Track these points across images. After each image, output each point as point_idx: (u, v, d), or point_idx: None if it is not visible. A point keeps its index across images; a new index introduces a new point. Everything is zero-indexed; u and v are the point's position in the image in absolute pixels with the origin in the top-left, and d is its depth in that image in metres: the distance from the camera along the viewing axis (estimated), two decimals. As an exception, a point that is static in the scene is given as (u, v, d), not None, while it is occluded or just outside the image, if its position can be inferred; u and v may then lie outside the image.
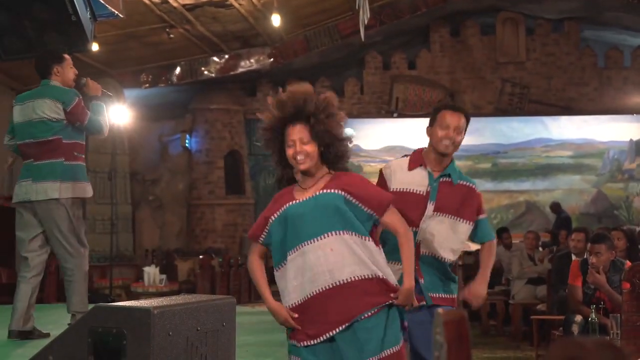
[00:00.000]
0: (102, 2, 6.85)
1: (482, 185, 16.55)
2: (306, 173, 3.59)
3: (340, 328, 3.43)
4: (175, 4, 12.05)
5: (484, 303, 11.19)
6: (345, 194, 3.52)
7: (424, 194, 4.19)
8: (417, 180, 4.23)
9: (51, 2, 6.07)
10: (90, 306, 3.40)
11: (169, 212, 16.77)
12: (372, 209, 3.55)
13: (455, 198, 4.21)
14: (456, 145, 4.29)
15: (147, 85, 15.06)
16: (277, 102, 3.62)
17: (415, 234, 4.09)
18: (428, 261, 4.16)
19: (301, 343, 3.47)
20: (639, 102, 16.54)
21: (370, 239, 3.55)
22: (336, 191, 3.52)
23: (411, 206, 4.13)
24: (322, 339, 3.45)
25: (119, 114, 13.73)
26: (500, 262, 11.76)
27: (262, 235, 3.60)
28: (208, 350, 3.52)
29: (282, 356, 3.60)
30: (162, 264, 13.27)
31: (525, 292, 10.43)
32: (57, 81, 5.73)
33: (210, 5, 12.46)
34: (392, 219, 3.62)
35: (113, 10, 7.30)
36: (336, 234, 3.48)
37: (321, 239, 3.47)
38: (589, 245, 6.53)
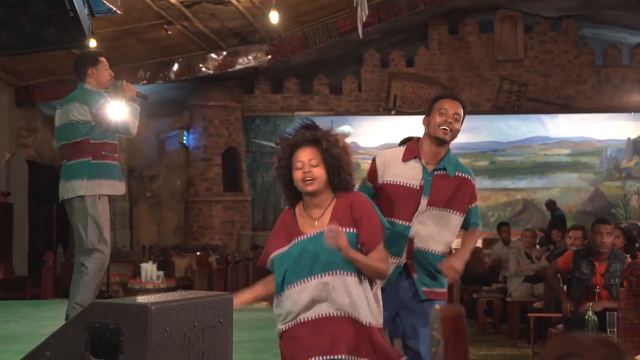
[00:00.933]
0: (100, -2, 6.85)
1: (480, 183, 16.56)
2: (313, 195, 3.58)
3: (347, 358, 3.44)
4: (173, 1, 12.03)
5: (482, 301, 11.23)
6: (356, 231, 3.53)
7: (417, 188, 4.13)
8: (411, 174, 4.16)
9: (49, -2, 6.06)
10: (89, 302, 3.39)
11: (167, 209, 16.77)
12: (362, 243, 3.54)
13: (449, 191, 4.14)
14: (454, 132, 4.21)
15: (145, 81, 15.04)
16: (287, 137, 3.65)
17: (408, 228, 4.09)
18: (421, 256, 4.13)
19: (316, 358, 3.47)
20: (637, 100, 16.56)
21: (366, 279, 3.55)
22: (349, 229, 3.52)
23: (404, 200, 4.11)
24: (335, 357, 3.44)
25: (116, 111, 13.72)
26: (499, 259, 11.76)
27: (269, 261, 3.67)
28: (205, 347, 3.52)
29: (278, 353, 3.60)
30: (160, 261, 13.26)
31: (522, 290, 10.44)
32: (91, 84, 5.89)
33: (208, 2, 12.44)
34: (377, 257, 3.58)
35: (111, 6, 7.30)
36: (337, 274, 3.50)
37: (325, 276, 3.50)
38: (595, 226, 6.50)
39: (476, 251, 13.87)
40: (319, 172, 3.53)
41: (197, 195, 16.25)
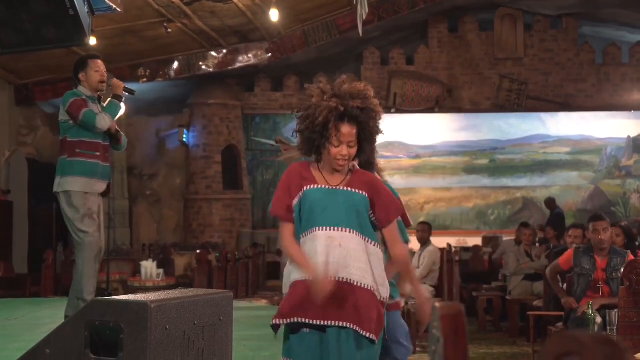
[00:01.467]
0: (100, -4, 6.84)
1: (480, 181, 16.59)
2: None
3: (346, 325, 3.33)
4: (173, -1, 12.03)
5: (482, 299, 11.21)
6: (369, 197, 3.48)
7: None
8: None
9: (49, -4, 6.06)
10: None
11: (167, 207, 16.77)
12: (377, 217, 3.50)
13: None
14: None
15: (145, 79, 15.04)
16: (338, 93, 3.48)
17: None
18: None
19: (311, 320, 3.33)
20: (637, 98, 16.55)
21: (378, 244, 3.49)
22: (363, 193, 3.48)
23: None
24: (330, 323, 3.33)
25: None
26: (502, 253, 11.72)
27: (291, 215, 3.50)
28: (205, 344, 3.52)
29: (278, 351, 3.59)
30: (160, 259, 13.26)
31: (522, 288, 10.44)
32: (84, 86, 6.08)
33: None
34: (392, 232, 3.55)
35: (111, 4, 7.30)
36: (349, 232, 3.42)
37: (333, 230, 3.41)
38: (590, 225, 6.55)
39: (476, 249, 13.88)
40: (353, 152, 3.47)
41: (197, 193, 16.25)
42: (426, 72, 16.64)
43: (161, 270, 11.51)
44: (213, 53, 15.16)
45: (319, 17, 14.90)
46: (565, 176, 16.68)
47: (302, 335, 3.38)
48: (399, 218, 3.99)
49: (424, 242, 9.98)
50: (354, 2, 9.49)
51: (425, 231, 10.06)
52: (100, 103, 6.13)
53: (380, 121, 3.56)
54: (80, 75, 6.06)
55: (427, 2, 15.44)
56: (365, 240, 3.44)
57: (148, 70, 15.10)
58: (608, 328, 5.05)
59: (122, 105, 6.22)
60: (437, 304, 1.99)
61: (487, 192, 16.66)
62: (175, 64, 15.17)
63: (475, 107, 16.67)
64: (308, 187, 3.48)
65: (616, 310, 5.24)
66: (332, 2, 14.33)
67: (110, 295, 9.75)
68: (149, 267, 11.34)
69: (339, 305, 3.34)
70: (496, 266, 12.02)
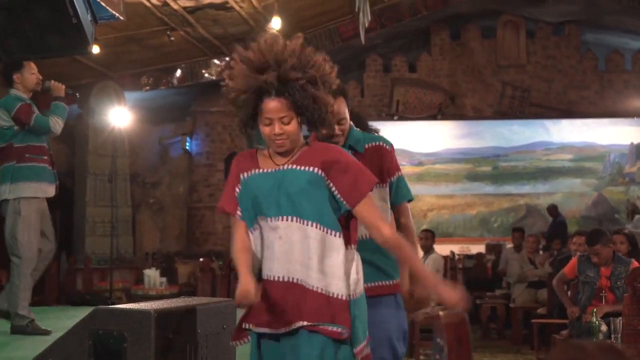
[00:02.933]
0: (103, 4, 6.86)
1: (483, 189, 16.56)
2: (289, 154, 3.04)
3: (299, 325, 2.91)
4: (176, 7, 12.05)
5: (485, 307, 11.18)
6: (323, 174, 2.96)
7: None
8: None
9: (52, 4, 6.07)
10: (91, 309, 3.39)
11: (170, 215, 16.76)
12: (342, 196, 2.95)
13: (367, 164, 3.46)
14: (341, 127, 3.73)
15: (148, 87, 15.05)
16: (250, 61, 2.98)
17: None
18: (361, 246, 3.49)
19: (259, 328, 2.99)
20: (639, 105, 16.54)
21: (340, 234, 2.94)
22: (312, 169, 2.96)
23: None
24: (279, 330, 2.95)
25: (119, 117, 13.74)
26: (505, 263, 11.69)
27: (239, 209, 3.08)
28: (208, 353, 3.51)
29: None
30: (163, 267, 13.27)
31: (526, 296, 10.43)
32: (18, 89, 6.00)
33: (211, 7, 12.45)
34: (368, 212, 2.97)
35: (114, 12, 7.31)
36: (294, 221, 2.93)
37: (276, 220, 2.94)
38: (589, 249, 6.64)
39: (479, 257, 13.86)
40: (292, 128, 2.98)
41: (200, 202, 16.25)
42: (429, 79, 16.65)
43: (164, 279, 11.51)
44: (216, 61, 15.17)
45: (321, 24, 14.91)
46: (568, 183, 16.65)
47: (260, 343, 3.06)
48: (399, 175, 3.78)
49: (427, 249, 9.96)
50: (356, 10, 9.51)
51: (429, 239, 10.05)
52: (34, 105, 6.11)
53: (327, 77, 3.04)
54: (15, 77, 5.99)
55: (429, 10, 15.44)
56: (319, 228, 2.92)
57: (151, 79, 15.12)
58: (612, 336, 5.04)
59: (66, 107, 6.19)
60: (441, 313, 1.98)
61: (490, 199, 16.64)
62: (178, 72, 15.19)
63: (477, 114, 16.66)
64: (246, 174, 3.05)
65: (620, 317, 5.23)
66: (334, 9, 14.35)
67: (114, 304, 9.75)
68: (152, 275, 11.33)
69: (283, 309, 2.93)
70: (500, 274, 12.00)
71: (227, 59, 15.16)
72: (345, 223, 3.01)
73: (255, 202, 2.99)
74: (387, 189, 3.80)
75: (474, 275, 13.07)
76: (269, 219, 2.95)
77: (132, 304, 3.64)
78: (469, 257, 14.09)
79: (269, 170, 3.02)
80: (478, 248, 14.79)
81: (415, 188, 17.14)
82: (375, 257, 3.62)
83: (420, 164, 16.41)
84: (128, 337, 3.15)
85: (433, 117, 16.37)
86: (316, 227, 2.92)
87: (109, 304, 8.42)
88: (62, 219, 14.39)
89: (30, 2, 6.11)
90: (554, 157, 16.70)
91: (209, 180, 16.25)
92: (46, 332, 5.82)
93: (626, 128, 16.57)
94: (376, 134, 3.94)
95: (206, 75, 15.28)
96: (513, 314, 10.49)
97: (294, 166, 2.98)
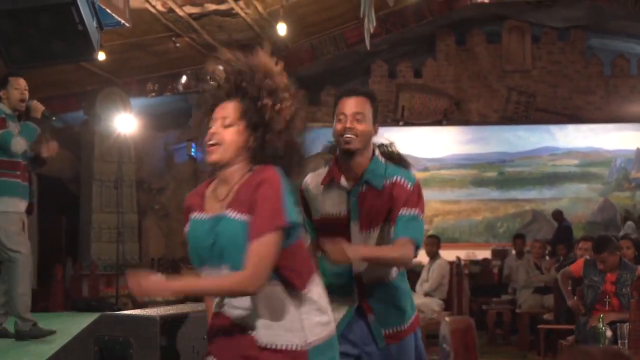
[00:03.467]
0: (109, 11, 6.87)
1: (489, 194, 16.54)
2: (218, 167, 2.73)
3: None
4: (181, 13, 12.07)
5: (491, 312, 11.15)
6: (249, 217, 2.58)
7: (344, 214, 3.35)
8: (334, 201, 3.38)
9: (57, 12, 6.08)
10: (97, 315, 3.39)
11: (175, 221, 16.76)
12: (250, 232, 2.57)
13: (382, 205, 3.31)
14: (362, 136, 3.32)
15: (153, 94, 15.08)
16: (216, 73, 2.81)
17: (349, 265, 3.27)
18: (375, 291, 3.35)
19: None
20: (645, 110, 16.52)
21: (278, 281, 2.61)
22: (241, 218, 2.58)
23: (335, 234, 3.24)
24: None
25: (125, 123, 13.76)
26: (510, 272, 11.67)
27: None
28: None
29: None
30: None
31: (532, 301, 10.41)
32: (3, 103, 6.09)
33: (216, 14, 12.48)
34: (252, 252, 2.53)
35: (119, 19, 7.32)
36: (231, 272, 2.61)
37: (216, 271, 2.65)
38: (596, 257, 6.63)
39: (485, 262, 13.84)
40: (230, 135, 2.63)
41: (205, 207, 16.24)
42: (434, 84, 16.65)
43: (170, 285, 11.48)
44: (221, 67, 15.18)
45: (326, 30, 14.93)
46: (574, 188, 16.62)
47: None
48: (413, 213, 3.27)
49: (433, 255, 9.95)
50: (361, 16, 9.51)
51: (434, 244, 10.04)
52: (19, 122, 6.11)
53: (283, 95, 2.73)
54: (2, 93, 6.08)
55: (434, 15, 15.45)
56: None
57: (156, 85, 15.14)
58: (619, 342, 5.02)
59: (37, 129, 6.12)
60: (447, 319, 1.98)
61: (496, 204, 16.61)
62: (184, 78, 15.20)
63: (483, 120, 16.65)
64: (193, 216, 2.81)
65: (627, 323, 5.22)
66: (339, 15, 14.36)
67: (120, 310, 9.76)
68: (157, 281, 11.31)
69: (218, 341, 2.73)
70: (504, 280, 11.98)
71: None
72: (290, 264, 2.64)
73: (192, 254, 2.76)
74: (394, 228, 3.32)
75: (480, 281, 13.05)
76: (206, 269, 2.68)
77: (138, 310, 3.64)
78: (474, 262, 14.07)
79: (204, 217, 2.72)
80: (484, 254, 14.76)
81: (420, 193, 17.11)
82: (389, 299, 3.38)
83: (425, 169, 16.39)
84: (134, 343, 3.14)
85: (438, 123, 16.37)
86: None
87: (114, 310, 8.44)
88: (68, 225, 14.41)
89: (36, 8, 6.12)
90: (559, 163, 16.68)
91: (214, 186, 16.24)
92: (51, 332, 5.86)
93: (632, 133, 16.54)
94: (403, 169, 3.43)
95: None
96: (519, 319, 10.46)
97: (228, 212, 2.62)
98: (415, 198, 3.31)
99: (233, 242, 2.57)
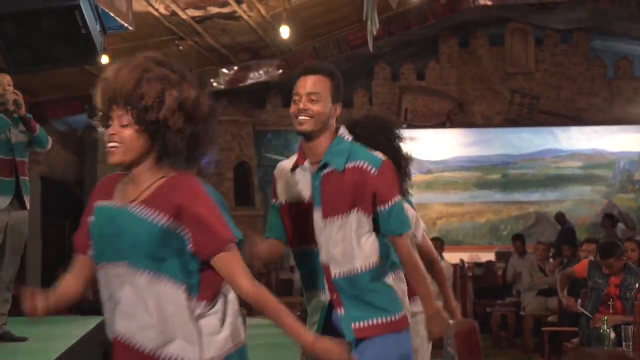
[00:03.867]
0: (112, 14, 6.88)
1: (492, 197, 16.53)
2: (125, 168, 2.56)
3: None
4: (184, 17, 12.09)
5: (496, 315, 11.14)
6: (173, 223, 2.44)
7: (309, 200, 3.21)
8: (302, 185, 3.25)
9: (61, 15, 6.09)
10: (101, 318, 3.39)
11: (179, 224, 16.78)
12: (196, 246, 2.44)
13: (344, 190, 3.12)
14: (318, 117, 3.16)
15: (157, 97, 15.09)
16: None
17: (317, 255, 3.19)
18: (345, 283, 3.17)
19: None
20: (649, 112, 16.50)
21: (186, 293, 2.43)
22: (159, 219, 2.43)
23: (302, 221, 3.21)
24: None
25: None
26: (514, 272, 11.67)
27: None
28: (218, 363, 3.51)
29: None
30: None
31: (537, 304, 10.40)
32: None
33: (220, 17, 12.49)
34: (226, 266, 2.46)
35: (123, 23, 7.33)
36: (128, 269, 2.43)
37: (113, 267, 2.47)
38: (600, 263, 6.63)
39: (489, 265, 13.82)
40: (127, 136, 2.47)
41: (209, 211, 16.25)
42: (437, 87, 16.64)
43: (174, 288, 11.50)
44: (224, 70, 15.21)
45: (329, 33, 14.94)
46: (578, 191, 16.60)
47: None
48: (391, 204, 3.15)
49: (437, 257, 9.94)
50: (365, 19, 9.52)
51: (438, 247, 10.03)
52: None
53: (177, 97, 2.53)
54: None
55: (437, 18, 15.45)
56: (158, 279, 2.42)
57: (160, 88, 15.14)
58: (624, 344, 5.02)
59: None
60: (451, 321, 1.98)
61: (500, 207, 16.59)
62: (187, 82, 15.21)
63: (486, 122, 16.64)
64: (98, 204, 2.59)
65: (632, 326, 5.22)
66: (342, 18, 14.37)
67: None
68: (161, 284, 11.33)
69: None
70: (508, 282, 11.96)
71: (236, 68, 15.21)
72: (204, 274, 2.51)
73: (94, 242, 2.55)
74: (369, 219, 3.19)
75: (484, 283, 13.04)
76: (109, 264, 2.48)
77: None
78: (478, 265, 14.07)
79: (110, 206, 2.53)
80: (488, 256, 14.75)
81: (424, 196, 17.16)
82: (361, 290, 3.17)
83: (429, 172, 16.38)
84: (138, 346, 3.14)
85: (442, 125, 16.36)
86: (155, 276, 2.43)
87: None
88: (71, 228, 14.40)
89: (39, 12, 6.13)
90: (563, 165, 16.66)
91: (218, 189, 15.91)
92: (22, 339, 5.84)
93: (636, 135, 16.52)
94: (374, 153, 3.24)
95: (215, 84, 15.32)
96: (524, 322, 10.46)
97: (140, 209, 2.47)
98: (386, 187, 3.16)
99: (133, 239, 2.42)
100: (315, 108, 3.14)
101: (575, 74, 16.63)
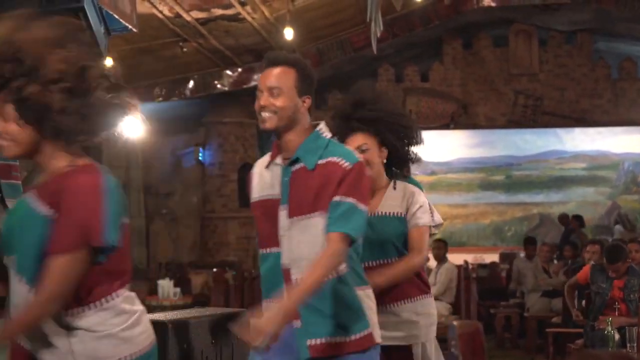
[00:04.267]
0: (116, 16, 6.89)
1: (496, 198, 16.52)
2: (29, 159, 2.42)
3: None
4: (188, 18, 12.10)
5: (499, 316, 11.13)
6: (50, 213, 2.28)
7: (278, 197, 2.94)
8: (271, 181, 2.99)
9: (64, 16, 6.11)
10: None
11: (183, 226, 16.79)
12: (52, 242, 2.26)
13: (312, 188, 2.86)
14: (283, 112, 2.93)
15: (161, 99, 15.11)
16: None
17: (278, 256, 2.93)
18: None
19: None
20: (653, 113, 16.48)
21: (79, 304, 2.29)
22: (44, 209, 2.28)
23: (268, 219, 2.95)
24: None
25: (132, 128, 13.78)
26: (518, 273, 11.64)
27: None
28: (222, 364, 3.52)
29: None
30: (176, 277, 13.27)
31: (540, 305, 10.39)
32: None
33: (223, 19, 12.51)
34: (51, 272, 2.23)
35: (127, 24, 7.34)
36: (12, 269, 2.32)
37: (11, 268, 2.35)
38: (606, 267, 6.61)
39: (493, 266, 13.81)
40: (12, 131, 2.32)
41: (213, 212, 16.27)
42: (441, 88, 16.64)
43: (178, 289, 11.51)
44: (228, 72, 15.22)
45: (333, 34, 14.95)
46: (582, 192, 16.59)
47: None
48: (342, 199, 2.78)
49: (441, 259, 9.96)
50: (368, 20, 9.53)
51: (441, 248, 10.05)
52: None
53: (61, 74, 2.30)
54: None
55: (441, 19, 15.45)
56: (22, 281, 2.29)
57: (164, 90, 15.18)
58: (628, 345, 5.01)
59: None
60: (455, 323, 1.98)
61: (504, 208, 16.59)
62: (191, 83, 15.24)
63: (490, 123, 16.63)
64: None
65: (636, 327, 5.21)
66: (346, 19, 14.37)
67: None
68: (165, 286, 11.34)
69: None
70: (513, 282, 11.95)
71: (240, 69, 15.23)
72: (91, 280, 2.33)
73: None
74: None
75: (487, 284, 13.02)
76: (6, 260, 2.35)
77: (148, 315, 3.65)
78: (482, 266, 14.06)
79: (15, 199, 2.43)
80: (492, 257, 14.75)
81: (428, 197, 17.06)
82: (320, 303, 2.83)
83: (432, 173, 16.38)
84: (143, 348, 3.15)
85: (445, 127, 16.36)
86: (22, 281, 2.29)
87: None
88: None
89: (43, 14, 6.15)
90: (567, 166, 16.65)
91: (222, 190, 16.27)
92: None
93: (640, 136, 16.52)
94: (353, 152, 3.00)
95: (219, 86, 15.34)
96: (527, 323, 10.45)
97: (31, 199, 2.33)
98: (352, 183, 2.82)
99: (20, 232, 2.29)
100: (278, 103, 2.93)
101: (579, 74, 16.62)
